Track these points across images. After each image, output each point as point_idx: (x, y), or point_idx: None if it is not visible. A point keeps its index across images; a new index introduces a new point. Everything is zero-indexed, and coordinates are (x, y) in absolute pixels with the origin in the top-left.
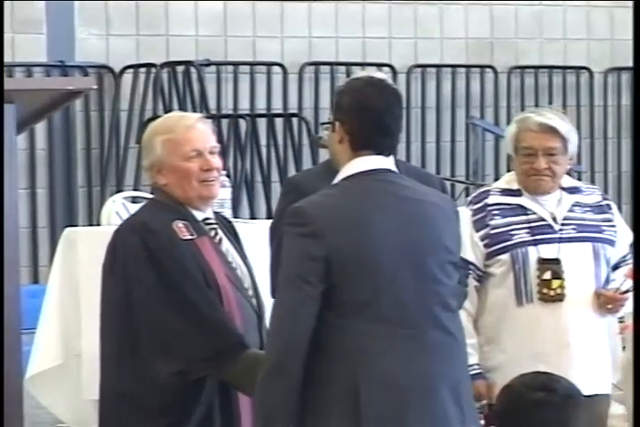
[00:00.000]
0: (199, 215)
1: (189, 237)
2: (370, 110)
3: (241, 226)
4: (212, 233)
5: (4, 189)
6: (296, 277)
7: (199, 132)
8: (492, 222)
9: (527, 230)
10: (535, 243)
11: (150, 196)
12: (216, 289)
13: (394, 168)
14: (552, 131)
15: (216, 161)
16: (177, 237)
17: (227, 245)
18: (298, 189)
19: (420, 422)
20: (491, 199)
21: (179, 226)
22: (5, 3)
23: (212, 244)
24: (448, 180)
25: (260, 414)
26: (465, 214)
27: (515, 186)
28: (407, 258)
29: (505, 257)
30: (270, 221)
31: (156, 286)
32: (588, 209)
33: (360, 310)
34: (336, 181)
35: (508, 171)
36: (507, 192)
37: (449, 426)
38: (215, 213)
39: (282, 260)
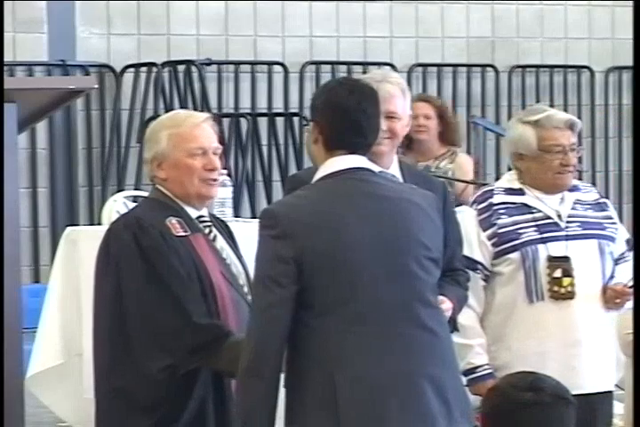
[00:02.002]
0: (193, 213)
1: (183, 233)
2: (340, 109)
3: (242, 225)
4: (207, 230)
5: (4, 188)
6: (267, 278)
7: (206, 130)
8: (499, 221)
9: (534, 228)
10: (543, 241)
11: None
12: (209, 285)
13: (370, 166)
14: (573, 127)
15: (218, 162)
16: (170, 234)
17: (221, 243)
18: (301, 185)
19: (400, 422)
20: (495, 198)
21: (172, 222)
22: (7, 2)
23: (206, 241)
24: (449, 179)
25: (239, 415)
26: (470, 214)
27: (516, 185)
28: (381, 256)
29: (514, 255)
30: None
31: (144, 283)
32: (589, 207)
33: (334, 310)
34: (313, 181)
35: (510, 169)
36: (510, 191)
37: (433, 423)
38: (210, 214)
39: (255, 262)
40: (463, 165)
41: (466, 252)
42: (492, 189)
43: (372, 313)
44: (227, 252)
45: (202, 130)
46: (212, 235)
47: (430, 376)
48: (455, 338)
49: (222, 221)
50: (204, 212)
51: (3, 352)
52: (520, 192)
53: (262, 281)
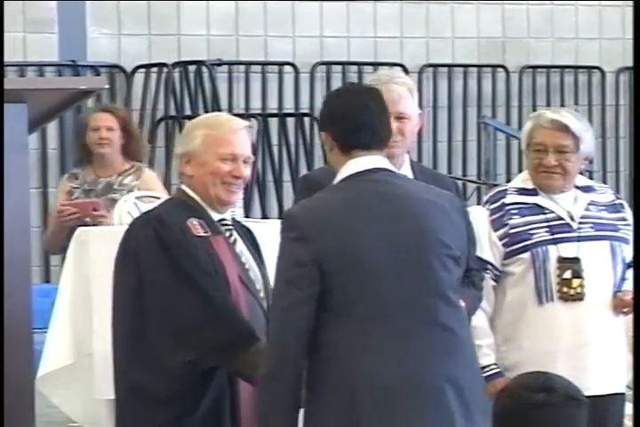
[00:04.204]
0: (215, 216)
1: (203, 234)
2: (342, 110)
3: (252, 225)
4: (227, 234)
5: (15, 188)
6: (286, 281)
7: (242, 138)
8: (511, 222)
9: (546, 229)
10: (555, 242)
11: (160, 194)
12: (227, 287)
13: (388, 166)
14: (564, 128)
15: (247, 171)
16: (190, 233)
17: (241, 247)
18: (315, 185)
19: (420, 423)
20: (508, 199)
21: (193, 223)
22: (17, 2)
23: (226, 243)
24: (460, 179)
25: (260, 418)
26: (481, 214)
27: (530, 185)
28: (400, 256)
29: (525, 256)
30: (282, 220)
31: (168, 276)
32: (603, 208)
33: (353, 311)
34: (333, 184)
35: (520, 170)
36: (523, 191)
37: (453, 424)
38: (234, 219)
39: (275, 264)
40: (149, 181)
41: (476, 252)
42: (506, 189)
43: (390, 313)
44: (246, 256)
45: (238, 137)
46: (232, 238)
47: (450, 377)
48: None
49: (245, 226)
50: (227, 215)
51: (13, 353)
52: (533, 192)
53: (282, 283)
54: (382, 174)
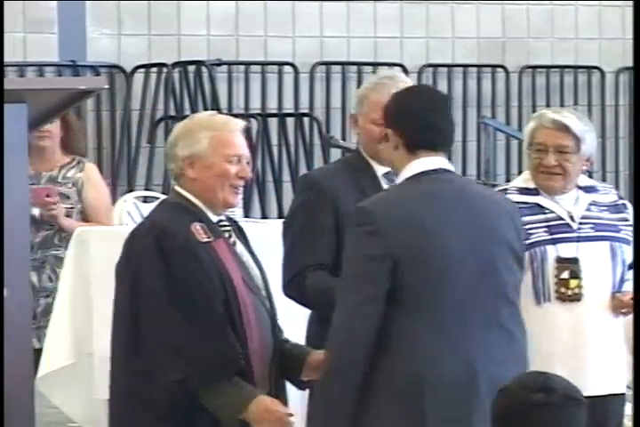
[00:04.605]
0: (214, 217)
1: (207, 239)
2: (414, 111)
3: (252, 226)
4: (227, 235)
5: (15, 188)
6: (358, 276)
7: (241, 138)
8: None
9: (545, 229)
10: (553, 242)
11: (159, 194)
12: (233, 293)
13: (451, 168)
14: (564, 128)
15: (249, 171)
16: (195, 240)
17: (240, 247)
18: (315, 185)
19: (484, 422)
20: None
21: (196, 228)
22: (17, 2)
23: (227, 246)
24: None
25: (318, 412)
26: None
27: (532, 185)
28: (468, 255)
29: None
30: (281, 220)
31: (164, 288)
32: (605, 208)
33: (420, 308)
34: (397, 182)
35: (520, 170)
36: (524, 191)
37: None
38: (228, 218)
39: (344, 259)
40: (93, 175)
41: None
42: (506, 189)
43: (456, 311)
44: (246, 256)
45: (239, 137)
46: (231, 239)
47: (505, 377)
48: None
49: (234, 220)
50: (223, 216)
51: (13, 353)
52: (534, 192)
53: (353, 278)
54: (446, 175)
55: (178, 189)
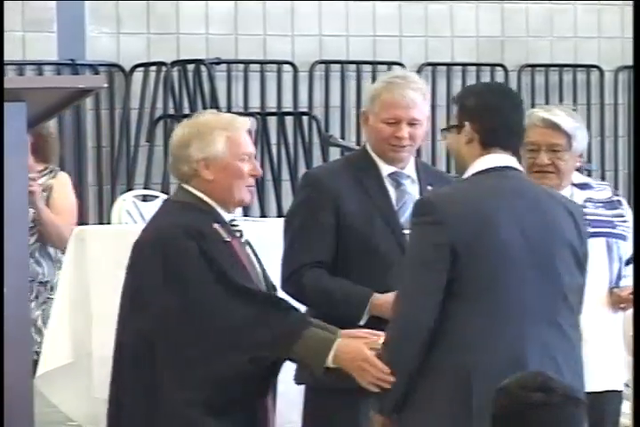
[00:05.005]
0: (226, 217)
1: (228, 238)
2: (498, 110)
3: (251, 224)
4: (238, 235)
5: (14, 187)
6: (420, 264)
7: (247, 136)
8: None
9: None
10: None
11: (159, 193)
12: None
13: (519, 167)
14: (555, 127)
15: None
16: (220, 239)
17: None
18: (316, 183)
19: None
20: None
21: (217, 228)
22: (16, 2)
23: (240, 245)
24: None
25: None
26: None
27: None
28: (529, 252)
29: None
30: (281, 219)
31: (214, 283)
32: (600, 205)
33: (478, 299)
34: (465, 176)
35: None
36: None
37: None
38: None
39: (407, 249)
40: (63, 184)
41: None
42: None
43: (512, 307)
44: (252, 256)
45: (246, 135)
46: (243, 239)
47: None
48: None
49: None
50: (232, 215)
51: (13, 352)
52: None
53: (415, 267)
54: (514, 173)
55: (189, 188)
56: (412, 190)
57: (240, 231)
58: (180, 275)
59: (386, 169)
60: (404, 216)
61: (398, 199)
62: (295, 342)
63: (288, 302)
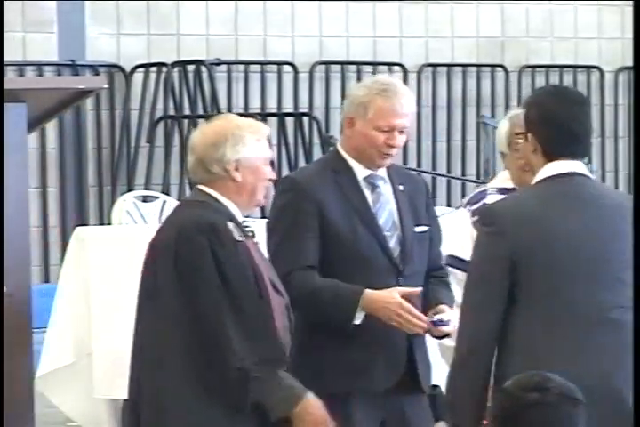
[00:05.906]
0: (239, 217)
1: (241, 238)
2: (555, 121)
3: (251, 224)
4: (251, 234)
5: (15, 187)
6: (482, 275)
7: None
8: None
9: None
10: None
11: (159, 194)
12: (265, 293)
13: (586, 172)
14: None
15: None
16: (234, 239)
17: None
18: (297, 187)
19: (606, 419)
20: (489, 199)
21: (231, 227)
22: (16, 2)
23: (253, 245)
24: (459, 179)
25: (448, 408)
26: (463, 215)
27: (510, 185)
28: (589, 261)
29: None
30: None
31: (222, 286)
32: None
33: (538, 306)
34: (532, 183)
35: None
36: (503, 191)
37: (630, 423)
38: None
39: (471, 258)
40: None
41: (458, 253)
42: (486, 190)
43: (571, 315)
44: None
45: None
46: (255, 239)
47: (623, 380)
48: (447, 342)
49: None
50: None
51: (13, 352)
52: (513, 191)
53: (477, 277)
54: (580, 179)
55: (204, 189)
56: (386, 191)
57: (252, 232)
58: (189, 276)
59: (361, 172)
60: (383, 218)
61: (374, 202)
62: (281, 368)
63: (275, 334)
